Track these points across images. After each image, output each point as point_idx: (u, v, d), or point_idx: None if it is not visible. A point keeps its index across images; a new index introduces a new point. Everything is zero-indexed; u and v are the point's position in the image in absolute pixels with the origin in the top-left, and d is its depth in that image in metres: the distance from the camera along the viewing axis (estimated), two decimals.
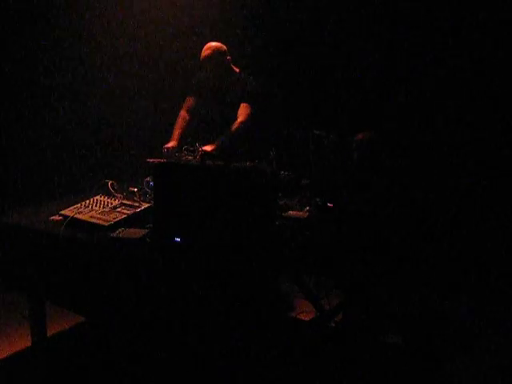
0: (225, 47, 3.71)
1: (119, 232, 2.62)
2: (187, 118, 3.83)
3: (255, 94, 3.69)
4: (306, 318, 3.59)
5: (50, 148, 4.71)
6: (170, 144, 3.61)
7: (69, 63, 4.73)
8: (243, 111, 3.63)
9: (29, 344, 3.30)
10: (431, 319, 3.69)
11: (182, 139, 3.65)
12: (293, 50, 4.64)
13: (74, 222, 2.75)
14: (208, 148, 3.32)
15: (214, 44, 3.68)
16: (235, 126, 3.58)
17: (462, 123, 4.22)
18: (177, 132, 3.74)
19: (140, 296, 2.49)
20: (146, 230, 2.63)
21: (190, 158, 3.04)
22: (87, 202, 2.96)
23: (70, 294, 2.76)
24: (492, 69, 4.06)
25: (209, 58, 3.64)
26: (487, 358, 3.22)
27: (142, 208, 2.84)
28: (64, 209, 2.90)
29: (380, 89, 4.41)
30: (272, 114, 4.01)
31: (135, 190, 3.05)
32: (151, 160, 3.16)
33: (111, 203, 2.93)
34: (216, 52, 3.65)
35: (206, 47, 3.67)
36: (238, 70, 3.81)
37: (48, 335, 3.35)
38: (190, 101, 3.88)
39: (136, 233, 2.60)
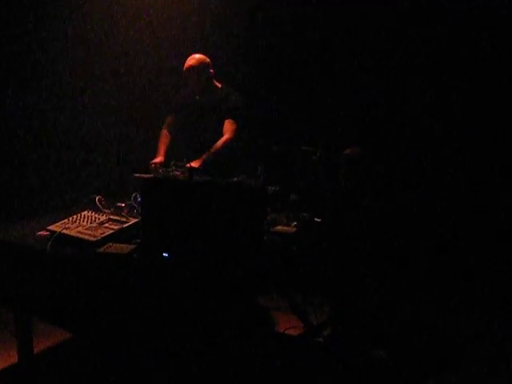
0: (208, 60, 3.74)
1: (107, 247, 2.61)
2: (169, 135, 3.89)
3: (238, 108, 3.72)
4: (294, 333, 3.58)
5: (37, 163, 4.70)
6: (157, 159, 3.64)
7: (55, 73, 4.72)
8: (229, 127, 3.67)
9: (15, 361, 3.26)
10: (417, 333, 3.69)
11: (167, 155, 3.69)
12: (281, 66, 4.68)
13: (61, 238, 2.74)
14: (195, 164, 3.34)
15: (197, 56, 3.72)
16: (221, 141, 3.60)
17: (447, 137, 4.27)
18: (162, 148, 3.79)
19: (128, 312, 2.48)
20: (134, 246, 2.62)
21: (177, 173, 3.06)
22: (74, 217, 2.95)
23: (57, 310, 2.74)
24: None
25: (192, 68, 3.67)
26: (473, 374, 3.22)
27: (130, 223, 2.83)
28: (51, 224, 2.89)
29: (368, 104, 4.45)
30: (255, 128, 4.05)
31: (123, 205, 3.05)
32: (138, 175, 3.17)
33: (99, 218, 2.93)
34: (199, 63, 3.68)
35: (189, 58, 3.70)
36: (219, 85, 3.83)
37: (35, 352, 3.31)
38: (170, 119, 3.93)
39: (123, 248, 2.60)
